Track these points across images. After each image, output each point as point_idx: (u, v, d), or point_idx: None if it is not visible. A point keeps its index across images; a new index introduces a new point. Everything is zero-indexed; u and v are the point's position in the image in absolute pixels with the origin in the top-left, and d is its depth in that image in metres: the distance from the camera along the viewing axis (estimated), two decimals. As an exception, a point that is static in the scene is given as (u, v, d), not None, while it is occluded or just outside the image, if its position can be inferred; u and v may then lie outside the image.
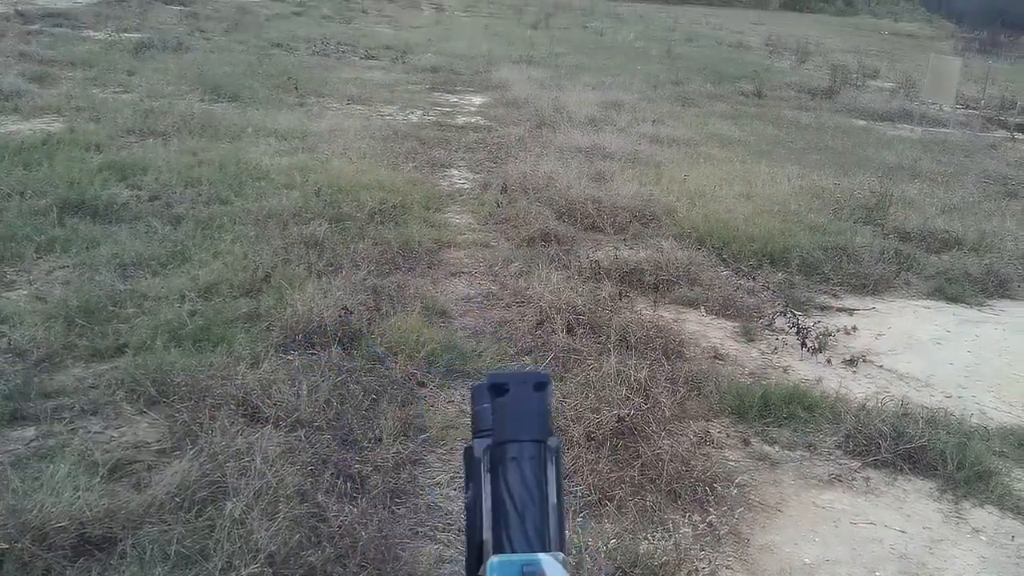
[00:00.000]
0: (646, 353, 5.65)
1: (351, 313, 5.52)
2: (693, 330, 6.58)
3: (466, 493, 0.98)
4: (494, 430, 0.97)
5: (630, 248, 8.29)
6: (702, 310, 7.03)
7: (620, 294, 6.82)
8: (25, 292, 6.07)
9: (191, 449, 3.98)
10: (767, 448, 4.87)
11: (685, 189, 10.25)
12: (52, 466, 3.75)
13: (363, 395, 4.73)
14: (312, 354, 5.16)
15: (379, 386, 4.88)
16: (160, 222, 7.69)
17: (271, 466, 3.77)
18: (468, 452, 0.98)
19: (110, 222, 7.67)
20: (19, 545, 3.13)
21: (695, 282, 7.43)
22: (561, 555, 0.91)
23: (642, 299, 7.11)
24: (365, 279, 6.48)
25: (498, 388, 0.99)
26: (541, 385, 0.99)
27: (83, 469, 3.77)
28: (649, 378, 5.11)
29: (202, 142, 10.89)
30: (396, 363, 5.13)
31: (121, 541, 3.29)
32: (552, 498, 0.95)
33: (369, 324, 5.64)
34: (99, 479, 3.73)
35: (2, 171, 8.50)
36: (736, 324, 6.80)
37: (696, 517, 4.04)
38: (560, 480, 0.97)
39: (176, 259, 6.88)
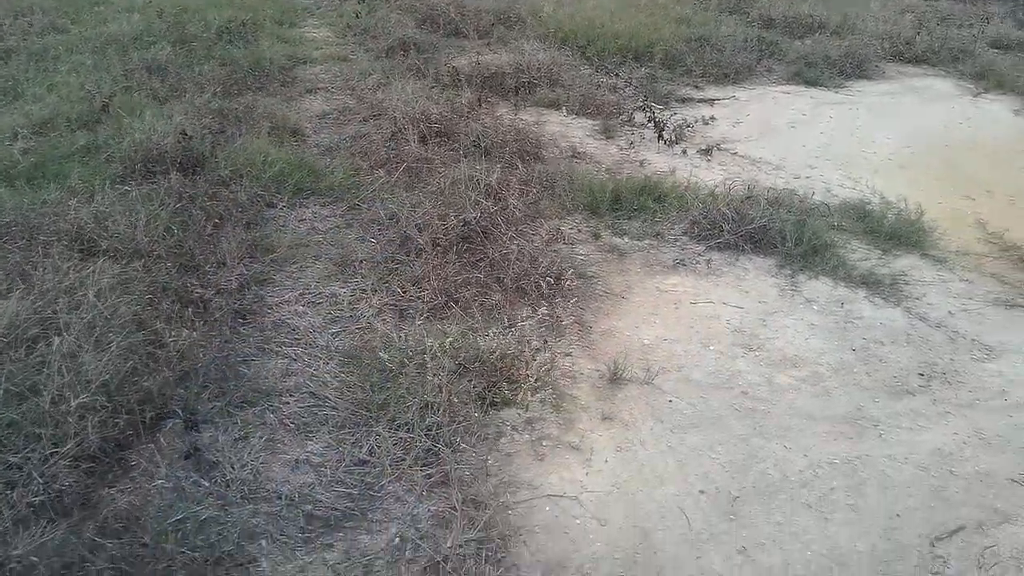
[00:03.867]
0: (501, 158, 5.63)
1: (191, 138, 5.30)
2: (553, 131, 6.57)
3: None
4: None
5: (493, 52, 8.10)
6: (563, 110, 7.00)
7: (480, 100, 6.71)
8: None
9: (22, 288, 3.86)
10: (617, 240, 4.99)
11: (552, -12, 9.96)
12: None
13: (206, 220, 4.62)
14: (152, 183, 4.99)
15: (224, 210, 4.78)
16: (-14, 56, 7.16)
17: (104, 299, 3.70)
18: None
19: (-72, 59, 7.11)
20: None
21: (557, 83, 7.35)
22: None
23: (503, 104, 7.02)
24: (210, 102, 6.21)
25: None
26: None
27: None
28: (500, 181, 5.11)
29: (33, -35, 10.01)
30: (241, 185, 5.01)
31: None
32: None
33: (212, 148, 5.45)
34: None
35: None
36: (596, 122, 6.80)
37: (543, 311, 4.17)
38: None
39: (7, 95, 6.46)
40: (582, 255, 4.81)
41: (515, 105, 6.93)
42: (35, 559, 2.52)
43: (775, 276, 4.72)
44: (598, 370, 3.83)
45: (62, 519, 2.75)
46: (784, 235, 4.92)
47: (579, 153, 6.17)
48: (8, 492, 2.74)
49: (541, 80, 7.32)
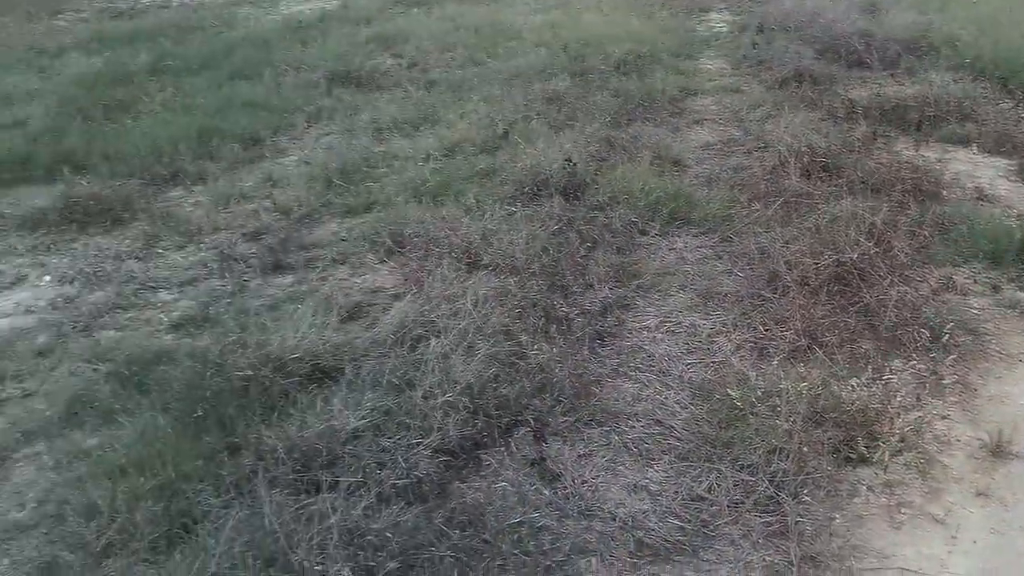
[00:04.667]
0: (890, 196, 5.23)
1: (576, 164, 5.58)
2: (958, 170, 5.97)
3: None
4: None
5: (897, 84, 7.58)
6: (973, 148, 6.34)
7: (875, 134, 6.31)
8: (295, 157, 6.76)
9: (414, 293, 4.33)
10: (1020, 295, 4.41)
11: (974, 15, 9.08)
12: (298, 308, 4.25)
13: (580, 243, 4.84)
14: (537, 205, 5.32)
15: (597, 235, 4.96)
16: (415, 87, 8.13)
17: (479, 308, 4.02)
18: None
19: (371, 90, 8.23)
20: (262, 372, 3.64)
21: (968, 117, 6.69)
22: None
23: (903, 139, 6.53)
24: (598, 131, 6.50)
25: None
26: None
27: (324, 310, 4.23)
28: (886, 221, 4.75)
29: (461, 8, 11.21)
30: (616, 211, 5.17)
31: (346, 372, 3.70)
32: None
33: (595, 175, 5.69)
34: (336, 319, 4.19)
35: (282, 49, 9.34)
36: (1012, 162, 6.07)
37: (920, 366, 3.80)
38: None
39: (426, 121, 7.28)
40: (975, 309, 4.31)
41: (916, 141, 6.40)
42: (389, 535, 2.79)
43: None
44: (979, 439, 3.41)
45: (418, 504, 3.02)
46: None
47: (986, 195, 5.55)
48: (378, 471, 3.07)
49: (949, 114, 6.71)
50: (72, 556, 2.85)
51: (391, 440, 3.23)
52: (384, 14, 11.10)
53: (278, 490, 2.97)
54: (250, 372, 3.63)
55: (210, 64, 9.05)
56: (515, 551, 2.83)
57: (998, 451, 3.33)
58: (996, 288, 4.49)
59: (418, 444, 3.19)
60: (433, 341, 3.71)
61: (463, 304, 4.08)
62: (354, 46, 9.37)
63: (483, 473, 3.26)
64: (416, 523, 2.89)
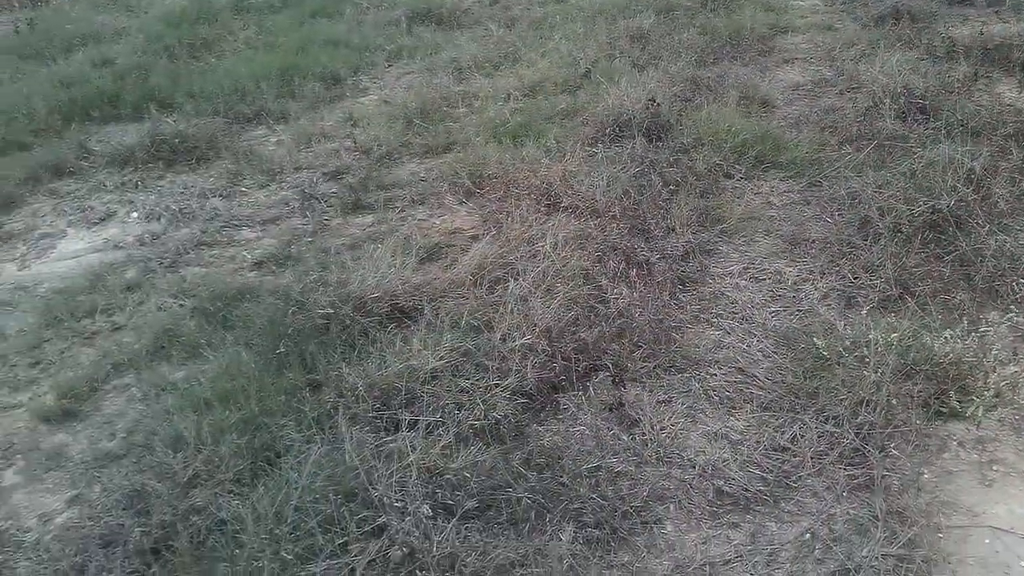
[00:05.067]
0: (992, 140, 4.97)
1: (659, 105, 5.44)
2: (1067, 113, 5.64)
3: None
4: None
5: (1003, 22, 7.17)
6: (1083, 90, 5.97)
7: (976, 75, 5.99)
8: (375, 97, 6.74)
9: (493, 235, 4.30)
10: None
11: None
12: (379, 247, 4.26)
13: (662, 186, 4.73)
14: (619, 147, 5.22)
15: (680, 178, 4.84)
16: (496, 25, 8.01)
17: (559, 251, 3.97)
18: None
19: (452, 28, 8.14)
20: (342, 311, 3.66)
21: (1080, 57, 6.29)
22: None
23: (1007, 80, 6.18)
24: (683, 70, 6.31)
25: None
26: None
27: (403, 251, 4.24)
28: (987, 167, 4.52)
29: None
30: (701, 154, 5.04)
31: (425, 312, 3.71)
32: None
33: (679, 116, 5.54)
34: (415, 259, 4.19)
35: (361, -14, 9.28)
36: None
37: (1018, 318, 3.63)
38: None
39: (507, 60, 7.18)
40: (1084, 260, 4.09)
41: (1020, 82, 6.06)
42: (467, 475, 2.81)
43: None
44: (1078, 395, 3.25)
45: (496, 444, 3.02)
46: None
47: (1101, 141, 5.23)
48: (456, 412, 3.08)
49: (1060, 53, 6.32)
50: (160, 485, 2.94)
51: (469, 381, 3.23)
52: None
53: (358, 427, 3.01)
54: (331, 310, 3.67)
55: (291, 2, 9.06)
56: (592, 495, 2.82)
57: (1099, 409, 3.17)
58: (1102, 239, 4.25)
59: (496, 386, 3.19)
60: (512, 283, 3.68)
61: (542, 246, 4.04)
62: (435, -19, 9.26)
63: (561, 417, 3.25)
64: (494, 464, 2.89)
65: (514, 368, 3.26)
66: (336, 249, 4.50)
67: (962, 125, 5.10)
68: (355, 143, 5.77)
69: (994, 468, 2.97)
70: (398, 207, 5.00)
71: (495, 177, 4.94)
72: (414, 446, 2.87)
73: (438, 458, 2.85)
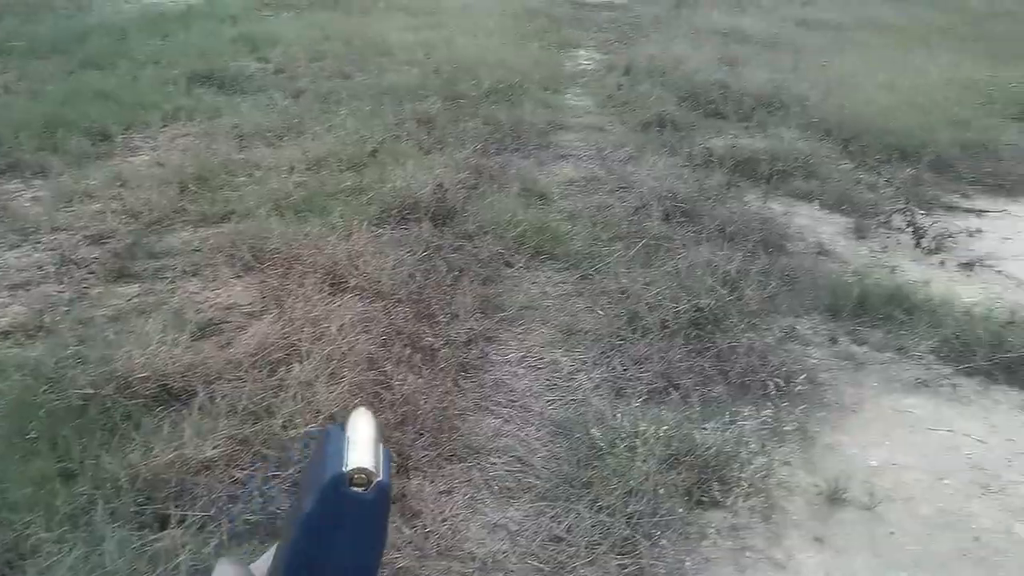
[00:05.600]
0: (743, 246, 5.47)
1: (446, 190, 5.56)
2: (802, 224, 6.32)
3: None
4: None
5: (750, 137, 7.96)
6: (816, 204, 6.73)
7: (729, 183, 6.60)
8: (147, 158, 6.42)
9: (275, 312, 4.18)
10: (855, 348, 4.69)
11: (823, 77, 9.68)
12: (145, 322, 4.01)
13: (447, 272, 4.81)
14: (405, 229, 5.26)
15: (464, 264, 4.95)
16: (282, 95, 7.92)
17: (344, 334, 3.92)
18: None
19: (235, 93, 7.95)
20: (103, 391, 3.40)
21: (813, 175, 7.10)
22: None
23: (753, 190, 6.85)
24: (468, 158, 6.51)
25: None
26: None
27: (174, 326, 4.01)
28: (740, 270, 4.96)
29: (333, 15, 11.03)
30: (484, 241, 5.18)
31: (199, 395, 3.52)
32: None
33: (464, 202, 5.68)
34: (187, 336, 3.97)
35: (141, 41, 8.90)
36: (850, 220, 6.48)
37: (766, 413, 3.97)
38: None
39: (292, 131, 7.09)
40: (815, 359, 4.55)
41: (765, 193, 6.74)
42: None
43: (1031, 415, 4.24)
44: (816, 486, 3.58)
45: (273, 541, 2.88)
46: (1049, 371, 4.42)
47: (826, 250, 5.89)
48: (231, 506, 2.92)
49: (796, 170, 7.10)
50: None
51: (244, 472, 3.08)
52: (251, 15, 10.78)
53: (120, 524, 2.78)
54: (90, 390, 3.39)
55: (60, 48, 8.52)
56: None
57: (833, 498, 3.50)
58: (833, 340, 4.75)
59: (275, 476, 3.06)
60: (297, 367, 3.58)
61: (327, 328, 3.97)
62: (218, 45, 9.03)
63: (341, 509, 3.15)
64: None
65: (295, 458, 3.15)
66: (97, 321, 4.18)
67: (719, 230, 5.58)
68: (123, 206, 5.44)
69: (746, 555, 3.20)
70: (168, 277, 4.74)
71: (277, 252, 4.82)
72: (184, 544, 2.68)
73: (212, 558, 2.68)
